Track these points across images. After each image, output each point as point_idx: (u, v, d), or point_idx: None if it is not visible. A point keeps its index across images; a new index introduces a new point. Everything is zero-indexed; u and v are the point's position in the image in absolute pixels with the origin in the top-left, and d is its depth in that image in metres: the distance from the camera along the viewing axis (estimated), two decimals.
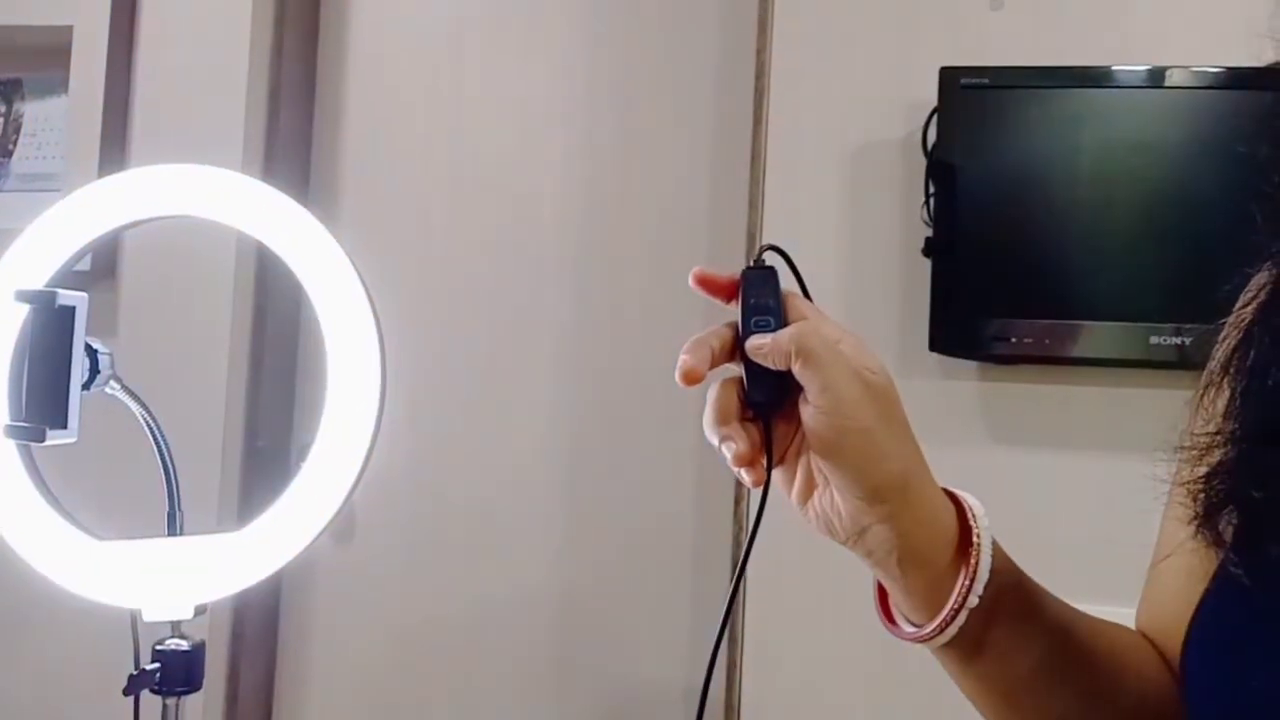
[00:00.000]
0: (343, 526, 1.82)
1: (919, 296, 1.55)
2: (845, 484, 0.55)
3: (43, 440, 0.86)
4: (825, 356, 0.55)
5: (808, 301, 0.59)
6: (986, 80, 1.51)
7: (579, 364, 1.82)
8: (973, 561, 0.57)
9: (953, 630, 0.57)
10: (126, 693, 0.90)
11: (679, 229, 1.79)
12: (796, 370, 0.55)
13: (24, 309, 0.88)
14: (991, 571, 0.57)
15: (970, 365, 1.57)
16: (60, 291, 0.88)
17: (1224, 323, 0.61)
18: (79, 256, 0.94)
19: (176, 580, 0.90)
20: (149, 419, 0.94)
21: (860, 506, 0.55)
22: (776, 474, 0.58)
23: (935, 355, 1.55)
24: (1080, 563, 1.36)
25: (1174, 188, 1.47)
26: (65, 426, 0.87)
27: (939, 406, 1.57)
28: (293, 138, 1.85)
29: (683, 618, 1.75)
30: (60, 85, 1.79)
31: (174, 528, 0.95)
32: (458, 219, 1.85)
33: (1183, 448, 0.59)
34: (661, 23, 1.82)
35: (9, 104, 1.86)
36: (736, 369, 0.58)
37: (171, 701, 0.92)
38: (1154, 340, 1.43)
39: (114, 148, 1.74)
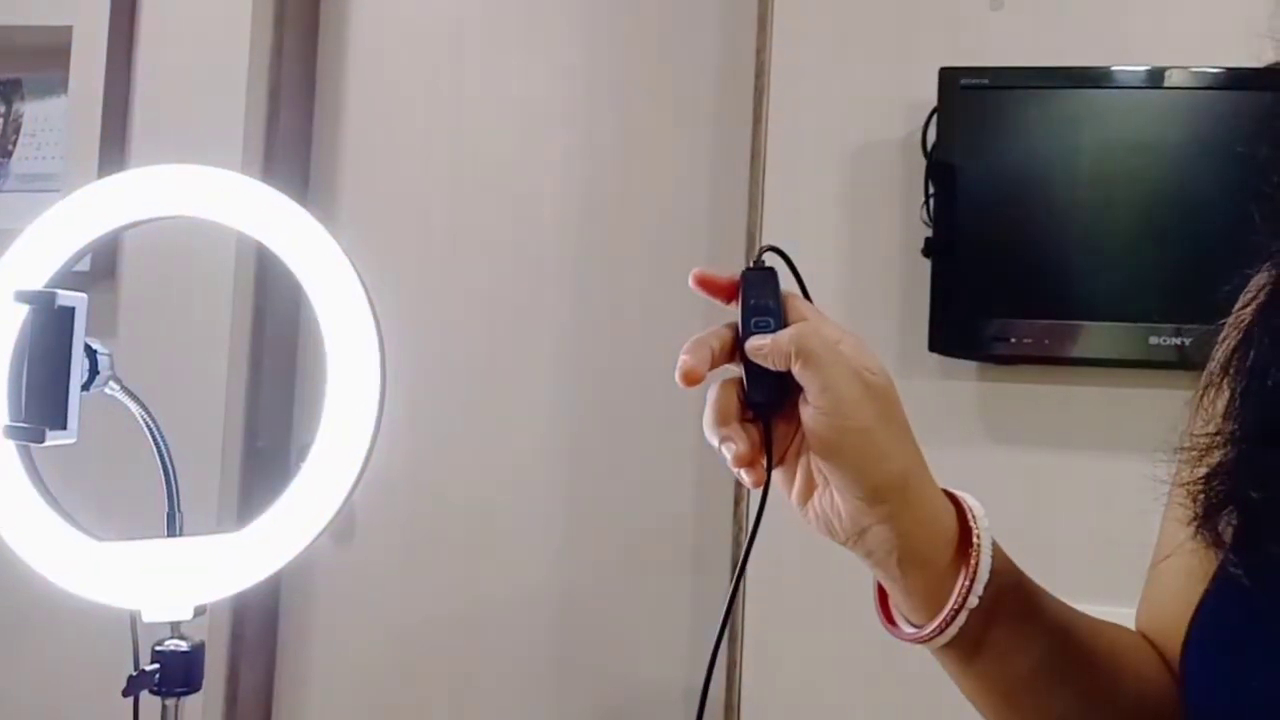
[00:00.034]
0: (342, 527, 1.82)
1: (918, 297, 1.55)
2: (845, 484, 0.55)
3: (42, 441, 0.86)
4: (825, 357, 0.55)
5: (807, 302, 0.59)
6: (986, 80, 1.51)
7: (579, 364, 1.82)
8: (973, 562, 0.57)
9: (952, 631, 0.57)
10: (126, 693, 0.90)
11: (679, 229, 1.79)
12: (796, 371, 0.55)
13: (23, 309, 0.88)
14: (991, 572, 0.57)
15: (970, 365, 1.58)
16: (60, 292, 0.88)
17: (1223, 323, 0.61)
18: (78, 257, 0.93)
19: (176, 581, 0.90)
20: (148, 419, 0.94)
21: (860, 507, 0.55)
22: (776, 474, 0.58)
23: (935, 355, 1.55)
24: (1079, 563, 1.36)
25: (1173, 188, 1.47)
26: (65, 427, 0.86)
27: (938, 407, 1.57)
28: (292, 138, 1.85)
29: (682, 618, 1.75)
30: (60, 85, 1.78)
31: (173, 528, 0.95)
32: (458, 219, 1.85)
33: (1182, 448, 0.59)
34: (661, 22, 1.82)
35: (8, 104, 1.86)
36: (736, 370, 0.58)
37: (171, 702, 0.92)
38: (1153, 340, 1.43)
39: (113, 148, 1.74)
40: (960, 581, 0.57)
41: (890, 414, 0.56)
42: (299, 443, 1.84)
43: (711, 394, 0.57)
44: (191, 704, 0.93)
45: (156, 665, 0.90)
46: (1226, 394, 0.58)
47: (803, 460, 0.58)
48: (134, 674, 0.90)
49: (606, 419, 1.80)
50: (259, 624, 1.83)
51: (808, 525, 0.58)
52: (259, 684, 1.83)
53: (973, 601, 0.57)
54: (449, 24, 1.88)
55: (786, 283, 0.59)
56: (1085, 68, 1.50)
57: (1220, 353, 0.60)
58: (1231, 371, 0.58)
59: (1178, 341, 1.41)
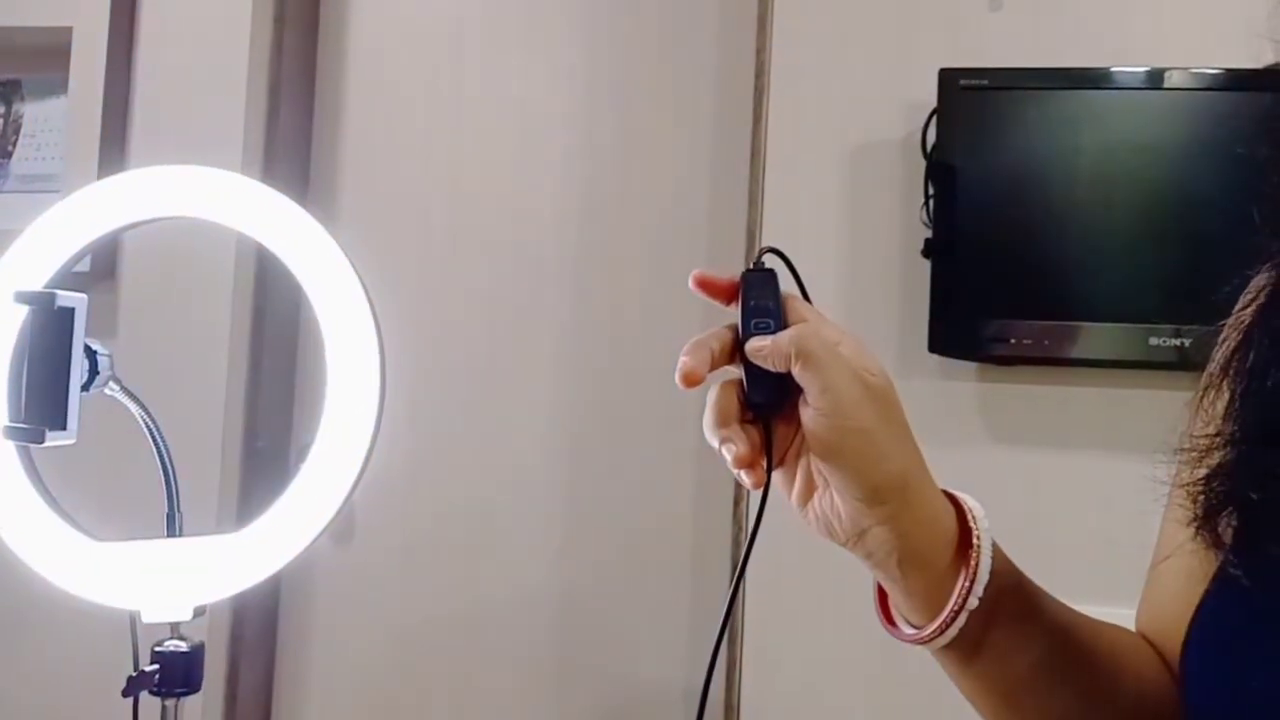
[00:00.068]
0: (342, 527, 1.82)
1: (918, 297, 1.55)
2: (845, 485, 0.55)
3: (42, 441, 0.86)
4: (825, 358, 0.55)
5: (807, 304, 0.59)
6: (985, 81, 1.51)
7: (579, 364, 1.82)
8: (973, 563, 0.57)
9: (953, 632, 0.57)
10: (125, 694, 0.90)
11: (678, 229, 1.79)
12: (796, 372, 0.55)
13: (23, 310, 0.88)
14: (991, 573, 0.57)
15: (969, 366, 1.58)
16: (59, 293, 0.88)
17: (1223, 324, 0.61)
18: (78, 258, 0.93)
19: (175, 581, 0.90)
20: (148, 420, 0.94)
21: (860, 508, 0.55)
22: (776, 476, 0.58)
23: (934, 356, 1.55)
24: (1079, 563, 1.36)
25: (1173, 189, 1.47)
26: (64, 428, 0.86)
27: (938, 407, 1.57)
28: (292, 138, 1.85)
29: (682, 618, 1.75)
30: (60, 86, 1.78)
31: (173, 529, 0.95)
32: (457, 219, 1.85)
33: (1182, 449, 0.59)
34: (661, 22, 1.82)
35: (8, 105, 1.86)
36: (736, 371, 0.58)
37: (170, 703, 0.92)
38: (1153, 341, 1.43)
39: (113, 149, 1.74)
40: (960, 582, 0.57)
41: (890, 415, 0.56)
42: (299, 443, 1.84)
43: (711, 395, 0.57)
44: (191, 704, 0.93)
45: (156, 666, 0.90)
46: (1226, 395, 0.58)
47: (803, 461, 0.58)
48: (133, 674, 0.90)
49: (606, 419, 1.80)
50: (259, 624, 1.83)
51: (808, 526, 0.58)
52: (259, 684, 1.83)
53: (973, 602, 0.57)
54: (449, 24, 1.88)
55: (786, 284, 0.59)
56: (1085, 69, 1.50)
57: (1220, 354, 0.60)
58: (1231, 373, 0.58)
59: (1177, 342, 1.41)
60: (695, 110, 1.79)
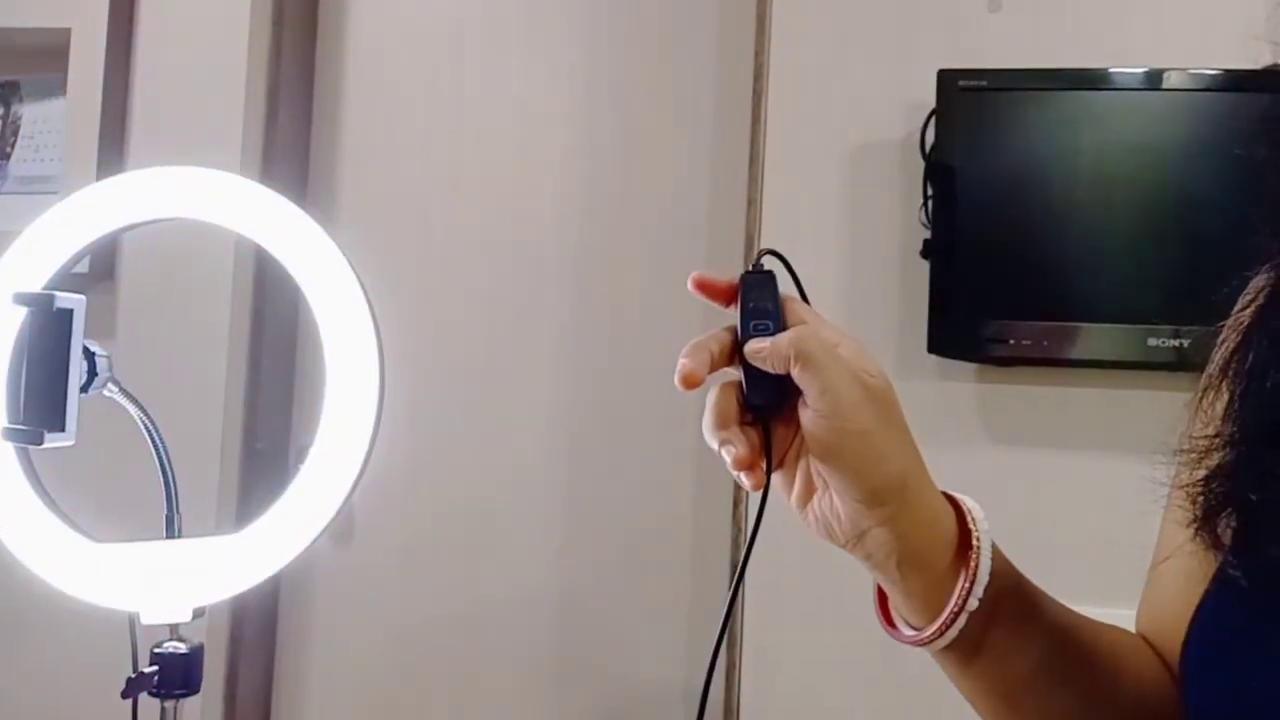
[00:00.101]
0: (341, 528, 1.82)
1: (917, 298, 1.55)
2: (844, 487, 0.55)
3: (41, 443, 0.86)
4: (824, 360, 0.55)
5: (806, 305, 0.59)
6: (984, 82, 1.51)
7: (578, 364, 1.82)
8: (972, 564, 0.57)
9: (952, 633, 0.57)
10: (124, 695, 0.90)
11: (678, 229, 1.79)
12: (795, 374, 0.55)
13: (22, 312, 0.88)
14: (991, 574, 0.57)
15: (969, 367, 1.58)
16: (58, 294, 0.88)
17: (1222, 325, 0.61)
18: (77, 259, 0.93)
19: (175, 583, 0.90)
20: (147, 421, 0.94)
21: (859, 509, 0.55)
22: (776, 477, 0.58)
23: (934, 357, 1.55)
24: (1079, 564, 1.36)
25: (1172, 190, 1.48)
26: (63, 429, 0.86)
27: (937, 408, 1.57)
28: (291, 139, 1.85)
29: (682, 619, 1.75)
30: (58, 87, 1.78)
31: (172, 530, 0.95)
32: (457, 219, 1.85)
33: (1181, 450, 0.59)
34: (660, 23, 1.82)
35: (7, 106, 1.86)
36: (736, 373, 0.58)
37: (170, 704, 0.92)
38: (1152, 342, 1.43)
39: (112, 150, 1.74)
40: (960, 584, 0.57)
41: (889, 416, 0.56)
42: (298, 444, 1.84)
43: (711, 397, 0.57)
44: (190, 706, 0.93)
45: (155, 667, 0.91)
46: (1225, 396, 0.58)
47: (802, 463, 0.58)
48: (133, 676, 0.90)
49: (606, 420, 1.80)
50: (258, 626, 1.83)
51: (807, 528, 0.58)
52: (258, 686, 1.83)
53: (972, 604, 0.57)
54: (448, 24, 1.88)
55: (785, 286, 0.59)
56: (1083, 69, 1.50)
57: (1219, 355, 0.59)
58: (1230, 374, 0.58)
59: (1176, 343, 1.41)
60: (695, 111, 1.79)
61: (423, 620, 1.82)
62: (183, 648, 0.92)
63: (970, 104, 1.51)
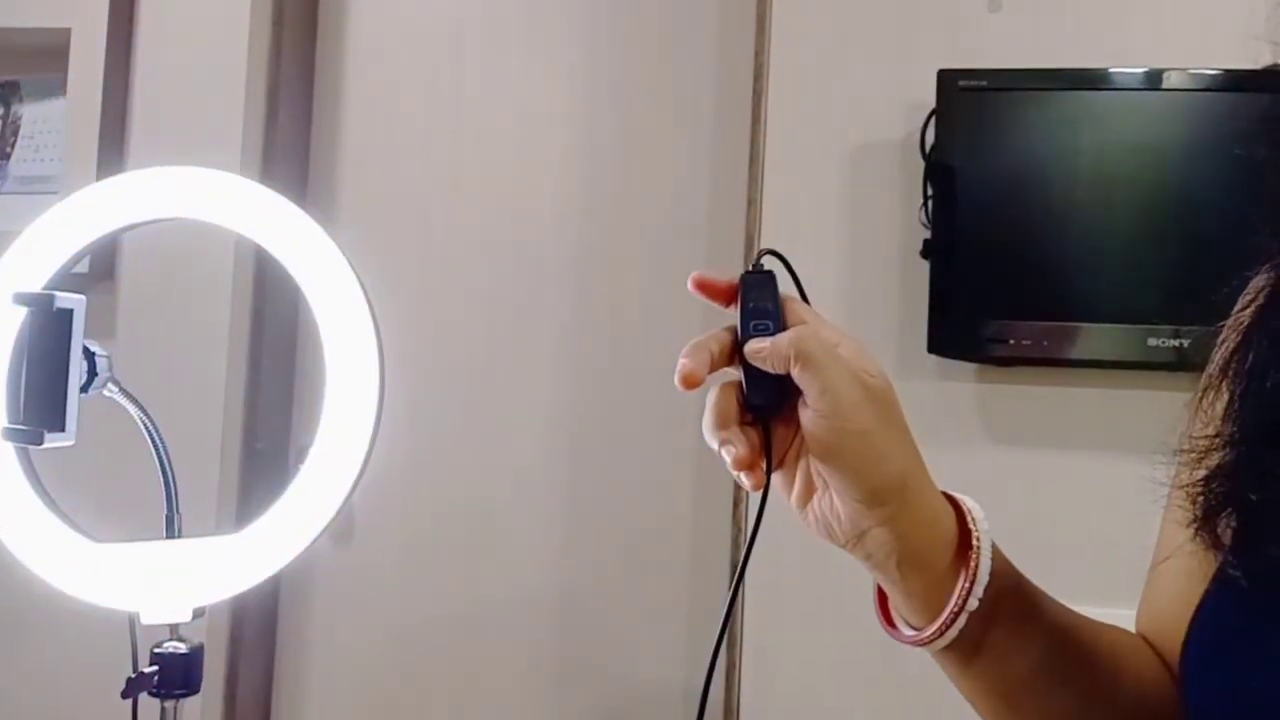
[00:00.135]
0: (341, 528, 1.82)
1: (917, 298, 1.55)
2: (844, 487, 0.55)
3: (41, 443, 0.86)
4: (824, 360, 0.55)
5: (806, 305, 0.59)
6: (984, 82, 1.51)
7: (578, 365, 1.82)
8: (972, 564, 0.57)
9: (952, 633, 0.57)
10: (125, 695, 0.90)
11: (678, 229, 1.79)
12: (795, 374, 0.55)
13: (22, 312, 0.88)
14: (991, 574, 0.57)
15: (968, 367, 1.58)
16: (58, 294, 0.88)
17: (1222, 325, 0.61)
18: (77, 259, 0.93)
19: (175, 583, 0.90)
20: (147, 421, 0.94)
21: (859, 509, 0.55)
22: (776, 477, 0.58)
23: (933, 357, 1.55)
24: (1079, 564, 1.36)
25: (1172, 190, 1.48)
26: (63, 429, 0.87)
27: (937, 408, 1.57)
28: (291, 139, 1.85)
29: (681, 619, 1.75)
30: (58, 87, 1.78)
31: (172, 530, 0.95)
32: (457, 219, 1.85)
33: (1181, 450, 0.59)
34: (660, 23, 1.82)
35: (7, 106, 1.86)
36: (735, 373, 0.58)
37: (170, 704, 0.92)
38: (1152, 342, 1.43)
39: (112, 150, 1.74)
40: (960, 584, 0.57)
41: (889, 417, 0.56)
42: (298, 444, 1.84)
43: (711, 397, 0.57)
44: (190, 706, 0.93)
45: (155, 667, 0.91)
46: (1225, 396, 0.58)
47: (802, 463, 0.58)
48: (133, 676, 0.90)
49: (606, 420, 1.80)
50: (258, 626, 1.83)
51: (807, 528, 0.58)
52: (258, 686, 1.83)
53: (972, 604, 0.57)
54: (448, 24, 1.88)
55: (785, 286, 0.59)
56: (1083, 69, 1.50)
57: (1219, 355, 0.59)
58: (1230, 374, 0.58)
59: (1176, 343, 1.41)
60: (695, 111, 1.79)
61: (422, 620, 1.82)
62: (183, 648, 0.92)
63: (970, 104, 1.51)
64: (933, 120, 1.54)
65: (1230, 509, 0.55)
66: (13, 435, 0.87)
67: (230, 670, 1.76)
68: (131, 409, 0.94)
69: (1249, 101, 1.32)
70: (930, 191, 1.55)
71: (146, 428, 0.95)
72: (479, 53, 1.86)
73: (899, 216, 1.60)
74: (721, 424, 0.57)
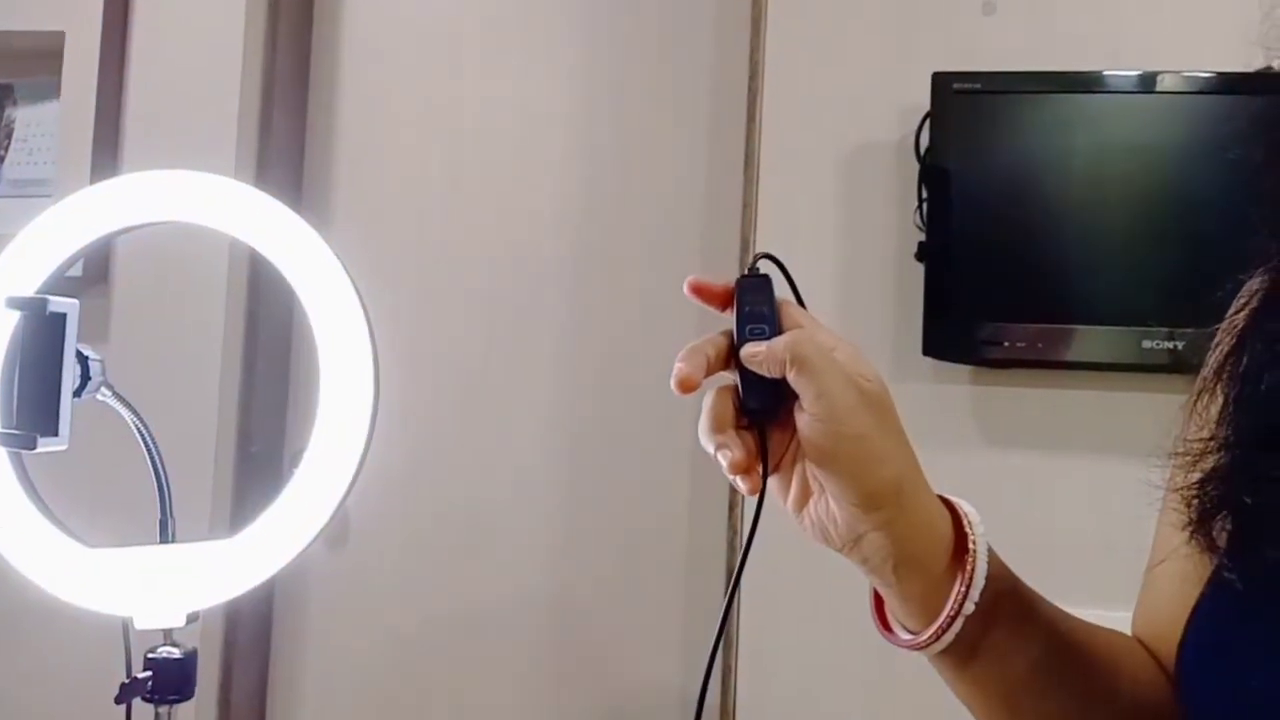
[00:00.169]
0: (336, 532, 1.82)
1: (912, 301, 1.55)
2: (840, 491, 0.55)
3: (34, 448, 0.86)
4: (820, 364, 0.55)
5: (802, 309, 0.59)
6: (979, 85, 1.51)
7: (575, 367, 1.81)
8: (968, 568, 0.57)
9: (949, 637, 0.57)
10: (118, 701, 0.89)
11: (674, 231, 1.79)
12: (791, 378, 0.55)
13: (15, 316, 0.87)
14: (987, 578, 0.57)
15: (964, 369, 1.58)
16: (51, 298, 0.88)
17: (1217, 328, 0.61)
18: (71, 262, 0.93)
19: (169, 587, 0.90)
20: (140, 426, 0.94)
21: (855, 513, 0.55)
22: (772, 481, 0.58)
23: (929, 359, 1.55)
24: (1074, 567, 1.36)
25: (1166, 192, 1.48)
26: (56, 434, 0.86)
27: (932, 411, 1.57)
28: (285, 142, 1.85)
29: (678, 622, 1.75)
30: (52, 90, 1.78)
31: (166, 535, 0.95)
32: (453, 221, 1.85)
33: (1176, 453, 0.59)
34: (657, 24, 1.82)
35: (0, 109, 1.86)
36: (731, 376, 0.58)
37: (164, 710, 0.91)
38: (1146, 344, 1.44)
39: (106, 153, 1.74)
40: (956, 587, 0.57)
41: (885, 420, 0.56)
42: (292, 448, 1.83)
43: (707, 401, 0.57)
44: (184, 711, 0.93)
45: (149, 672, 0.90)
46: (1220, 399, 0.58)
47: (798, 467, 0.58)
48: (126, 681, 0.90)
49: (602, 423, 1.80)
50: (252, 631, 1.82)
51: (803, 532, 0.58)
52: (252, 691, 1.83)
53: (969, 607, 0.57)
54: (446, 25, 1.88)
55: (781, 290, 0.59)
56: (1077, 72, 1.51)
57: (1214, 358, 0.60)
58: (1225, 376, 0.58)
59: (1171, 345, 1.41)
60: (692, 112, 1.79)
61: (418, 623, 1.82)
62: (177, 653, 0.91)
63: (965, 107, 1.52)
64: (927, 123, 1.54)
65: (1225, 512, 0.55)
66: (6, 440, 0.86)
67: (224, 675, 1.76)
68: (125, 413, 0.94)
69: (1242, 104, 1.32)
70: (925, 194, 1.55)
71: (140, 432, 0.94)
72: (473, 54, 1.86)
73: (894, 219, 1.60)
74: (717, 428, 0.57)
